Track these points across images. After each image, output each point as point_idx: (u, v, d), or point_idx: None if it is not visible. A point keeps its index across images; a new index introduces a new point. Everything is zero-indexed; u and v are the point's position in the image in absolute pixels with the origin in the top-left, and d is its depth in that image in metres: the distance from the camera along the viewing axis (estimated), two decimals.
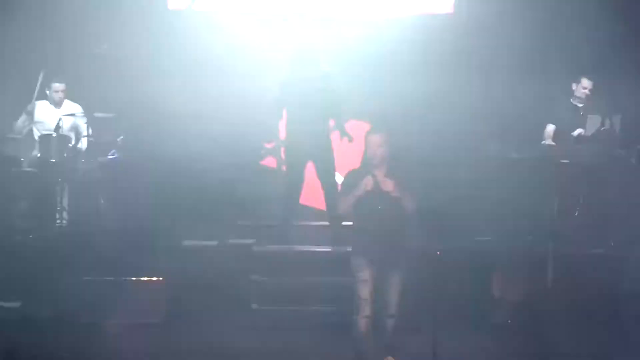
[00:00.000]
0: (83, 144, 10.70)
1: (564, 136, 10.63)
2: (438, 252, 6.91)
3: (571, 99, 10.73)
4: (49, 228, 10.18)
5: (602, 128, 10.30)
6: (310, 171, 10.40)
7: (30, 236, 10.01)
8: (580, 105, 10.68)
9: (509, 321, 9.48)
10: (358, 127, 11.21)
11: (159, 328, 9.41)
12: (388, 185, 7.62)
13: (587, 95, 10.63)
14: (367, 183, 7.65)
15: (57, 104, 10.88)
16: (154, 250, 9.83)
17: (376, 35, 11.70)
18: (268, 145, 10.34)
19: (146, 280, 9.57)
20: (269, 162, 11.96)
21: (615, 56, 11.53)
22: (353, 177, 7.78)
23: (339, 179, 9.45)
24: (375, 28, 11.74)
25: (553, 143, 10.61)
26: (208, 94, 11.75)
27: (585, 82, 10.65)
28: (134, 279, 9.56)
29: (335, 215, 7.93)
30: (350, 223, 8.07)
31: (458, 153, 11.54)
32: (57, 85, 10.86)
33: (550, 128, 10.74)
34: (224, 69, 11.78)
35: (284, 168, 10.40)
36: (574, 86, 10.70)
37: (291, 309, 9.54)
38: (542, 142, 10.62)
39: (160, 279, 9.57)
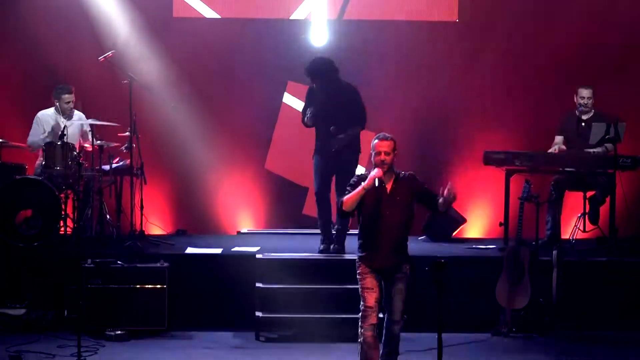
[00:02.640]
0: (87, 151, 10.68)
1: (572, 146, 10.65)
2: (442, 260, 6.87)
3: (576, 111, 10.71)
4: (53, 236, 10.12)
5: (607, 136, 10.29)
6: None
7: (35, 244, 9.99)
8: (585, 115, 10.67)
9: (514, 329, 9.45)
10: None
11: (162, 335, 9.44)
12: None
13: (587, 104, 10.61)
14: (376, 175, 7.61)
15: (68, 115, 10.79)
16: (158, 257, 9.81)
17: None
18: None
19: (150, 288, 9.55)
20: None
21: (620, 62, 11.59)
22: (359, 179, 7.77)
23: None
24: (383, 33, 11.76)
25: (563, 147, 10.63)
26: (220, 103, 11.77)
27: (584, 92, 10.65)
28: (137, 286, 9.55)
29: (340, 214, 7.85)
30: (355, 231, 8.07)
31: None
32: (67, 96, 10.75)
33: (559, 139, 10.74)
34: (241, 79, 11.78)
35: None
36: (575, 97, 10.71)
37: (296, 316, 9.47)
38: (550, 151, 10.62)
39: (164, 286, 9.55)
